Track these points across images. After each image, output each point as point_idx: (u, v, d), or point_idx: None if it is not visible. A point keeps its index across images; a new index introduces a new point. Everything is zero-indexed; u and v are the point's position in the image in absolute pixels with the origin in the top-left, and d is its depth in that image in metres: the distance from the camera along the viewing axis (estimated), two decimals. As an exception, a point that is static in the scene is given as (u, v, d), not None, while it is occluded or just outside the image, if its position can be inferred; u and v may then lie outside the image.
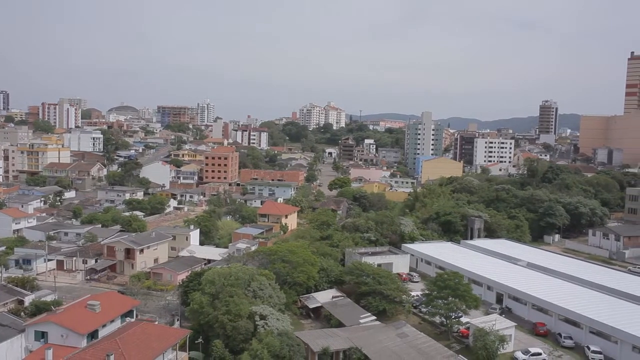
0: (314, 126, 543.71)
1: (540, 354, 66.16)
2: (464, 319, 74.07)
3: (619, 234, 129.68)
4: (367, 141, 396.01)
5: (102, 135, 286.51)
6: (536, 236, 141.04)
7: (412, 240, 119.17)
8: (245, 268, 78.23)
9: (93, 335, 66.55)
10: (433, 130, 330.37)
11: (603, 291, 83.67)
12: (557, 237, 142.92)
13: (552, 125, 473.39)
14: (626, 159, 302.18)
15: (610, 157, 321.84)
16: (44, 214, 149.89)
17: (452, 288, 71.46)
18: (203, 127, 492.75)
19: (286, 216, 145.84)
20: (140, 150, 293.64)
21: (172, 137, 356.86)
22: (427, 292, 76.88)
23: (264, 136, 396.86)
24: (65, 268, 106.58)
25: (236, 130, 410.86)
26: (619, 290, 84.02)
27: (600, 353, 66.70)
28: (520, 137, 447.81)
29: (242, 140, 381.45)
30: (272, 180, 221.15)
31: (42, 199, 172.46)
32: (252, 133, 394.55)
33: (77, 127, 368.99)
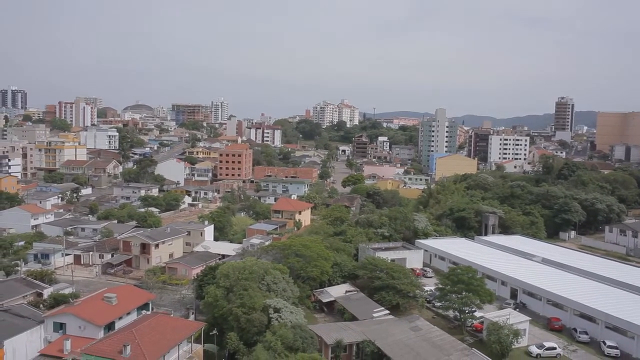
0: (328, 124, 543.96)
1: (555, 348, 65.86)
2: (477, 314, 73.90)
3: (636, 230, 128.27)
4: (380, 139, 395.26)
5: (117, 133, 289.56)
6: (551, 233, 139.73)
7: (426, 236, 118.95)
8: (260, 262, 78.91)
9: (110, 327, 67.67)
10: (447, 127, 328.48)
11: (619, 287, 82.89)
12: (572, 233, 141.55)
13: (568, 122, 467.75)
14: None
15: (628, 153, 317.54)
16: (61, 210, 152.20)
17: (465, 282, 71.30)
18: (217, 126, 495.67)
19: (300, 212, 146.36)
20: (155, 148, 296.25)
21: (187, 135, 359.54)
22: (440, 286, 76.79)
23: (278, 134, 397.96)
24: (82, 262, 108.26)
25: (250, 128, 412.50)
26: (635, 285, 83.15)
27: (616, 348, 66.17)
28: (536, 134, 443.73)
29: (255, 138, 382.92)
30: (286, 177, 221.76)
31: (60, 195, 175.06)
32: (265, 131, 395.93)
33: (93, 125, 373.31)
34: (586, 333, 70.79)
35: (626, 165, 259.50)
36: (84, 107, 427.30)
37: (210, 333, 67.48)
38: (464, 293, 71.17)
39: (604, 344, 67.37)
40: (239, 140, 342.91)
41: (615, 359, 64.73)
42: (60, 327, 67.27)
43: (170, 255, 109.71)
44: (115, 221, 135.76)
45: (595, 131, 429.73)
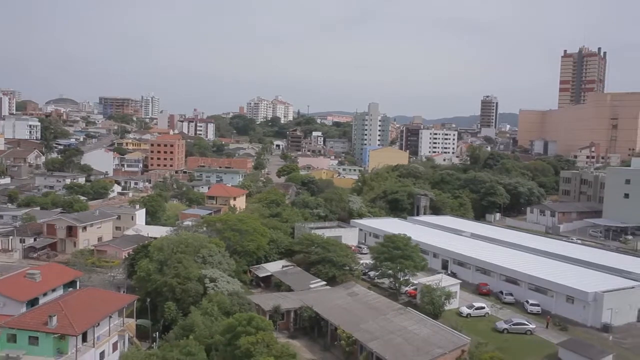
0: (262, 120, 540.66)
1: (484, 307, 69.36)
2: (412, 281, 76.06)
3: (554, 210, 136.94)
4: (315, 133, 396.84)
5: (39, 124, 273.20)
6: (478, 215, 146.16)
7: (360, 216, 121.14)
8: (196, 235, 77.35)
9: (33, 303, 64.04)
10: (380, 121, 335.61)
11: (540, 254, 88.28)
12: (498, 215, 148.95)
13: (492, 119, 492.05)
14: (560, 149, 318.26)
15: (546, 148, 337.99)
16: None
17: (400, 249, 73.21)
18: (147, 120, 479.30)
19: (235, 198, 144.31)
20: (81, 140, 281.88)
21: (115, 127, 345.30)
22: (376, 255, 78.33)
23: (211, 127, 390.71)
24: (0, 248, 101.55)
25: (182, 122, 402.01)
26: (553, 252, 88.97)
27: (538, 306, 70.53)
28: (463, 130, 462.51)
29: (188, 132, 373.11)
30: (220, 167, 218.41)
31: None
32: (198, 124, 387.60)
33: (12, 114, 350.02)
34: (511, 295, 74.95)
35: (544, 158, 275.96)
36: (1, 98, 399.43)
37: (147, 301, 65.43)
38: (399, 260, 72.97)
39: (527, 302, 71.55)
40: (171, 132, 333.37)
41: (537, 315, 68.79)
42: (-24, 305, 62.87)
43: (99, 239, 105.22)
44: (38, 208, 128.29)
45: (517, 129, 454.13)
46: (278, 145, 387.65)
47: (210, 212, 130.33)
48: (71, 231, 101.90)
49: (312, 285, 76.95)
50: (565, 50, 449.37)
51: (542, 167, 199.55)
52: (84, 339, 56.03)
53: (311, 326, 64.29)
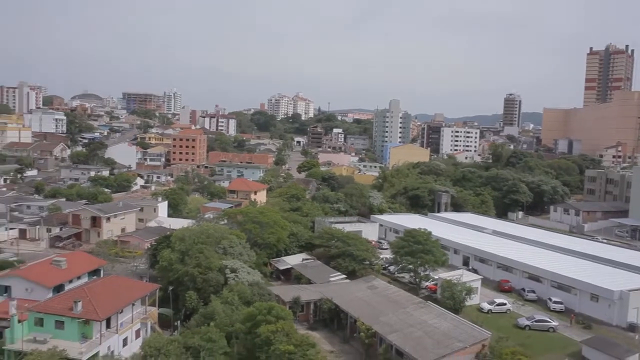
0: (283, 116, 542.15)
1: (505, 304, 68.63)
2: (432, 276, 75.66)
3: (578, 209, 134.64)
4: (335, 130, 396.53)
5: (65, 118, 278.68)
6: (500, 213, 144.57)
7: (381, 212, 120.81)
8: (217, 226, 78.06)
9: (59, 289, 65.32)
10: (401, 118, 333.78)
11: (562, 252, 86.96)
12: (520, 214, 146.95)
13: (515, 118, 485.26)
14: (585, 149, 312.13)
15: (571, 147, 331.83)
16: (4, 189, 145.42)
17: (421, 243, 72.86)
18: (170, 116, 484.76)
19: (255, 193, 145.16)
20: (105, 134, 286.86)
21: (138, 122, 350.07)
22: (396, 249, 78.02)
23: (232, 123, 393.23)
24: (28, 237, 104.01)
25: (204, 117, 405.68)
26: (577, 251, 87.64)
27: (561, 303, 69.47)
28: (485, 129, 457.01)
29: (210, 127, 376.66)
30: (241, 162, 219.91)
31: (2, 176, 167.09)
32: (220, 120, 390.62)
33: (38, 108, 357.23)
34: (533, 292, 74.01)
35: (569, 156, 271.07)
36: (28, 93, 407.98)
37: (168, 291, 66.28)
38: (419, 254, 72.62)
39: (550, 300, 70.55)
40: (193, 128, 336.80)
41: (560, 313, 67.84)
42: (5, 290, 64.46)
43: (123, 230, 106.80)
44: (64, 199, 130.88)
45: (540, 128, 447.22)
46: (299, 142, 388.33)
47: (231, 205, 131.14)
48: (95, 222, 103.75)
49: (332, 279, 77.09)
50: (591, 48, 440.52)
51: (566, 166, 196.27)
52: (108, 325, 57.03)
53: (331, 318, 64.43)
